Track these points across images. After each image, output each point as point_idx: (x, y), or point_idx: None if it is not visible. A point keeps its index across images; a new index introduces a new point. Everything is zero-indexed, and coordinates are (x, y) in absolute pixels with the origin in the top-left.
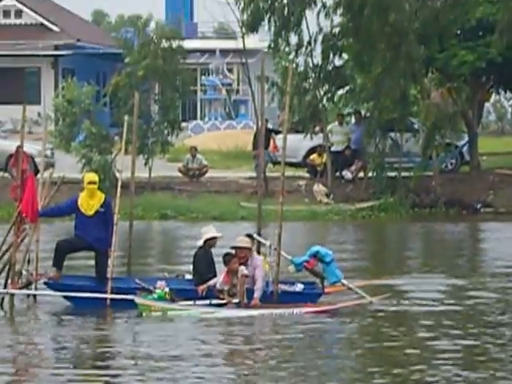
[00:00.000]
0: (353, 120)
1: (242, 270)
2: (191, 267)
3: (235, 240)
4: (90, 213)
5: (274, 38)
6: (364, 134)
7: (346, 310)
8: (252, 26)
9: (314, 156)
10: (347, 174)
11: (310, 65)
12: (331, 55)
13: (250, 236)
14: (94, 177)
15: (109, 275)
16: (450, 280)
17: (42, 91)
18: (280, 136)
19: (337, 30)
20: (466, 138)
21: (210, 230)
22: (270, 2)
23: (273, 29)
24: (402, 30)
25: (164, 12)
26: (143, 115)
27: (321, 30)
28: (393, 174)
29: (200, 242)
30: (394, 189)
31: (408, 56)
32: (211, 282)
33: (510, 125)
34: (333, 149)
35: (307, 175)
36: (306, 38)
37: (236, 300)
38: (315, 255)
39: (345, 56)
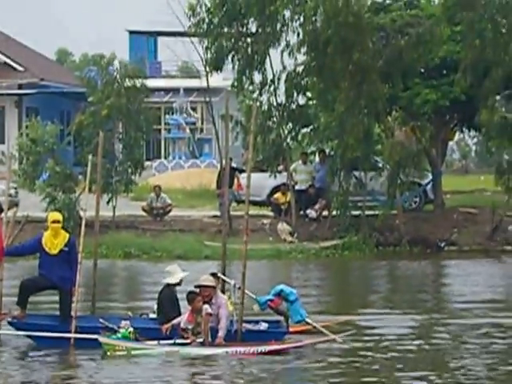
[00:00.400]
0: (317, 159)
1: (206, 308)
2: (155, 306)
3: (199, 279)
4: (54, 252)
5: (237, 76)
6: (328, 173)
7: (310, 348)
8: (216, 65)
9: (277, 195)
10: (311, 213)
11: (274, 103)
12: (295, 94)
13: (214, 275)
14: (57, 216)
15: (73, 314)
16: (411, 316)
17: (6, 130)
18: (244, 175)
19: (300, 68)
20: (430, 177)
21: (175, 269)
22: (233, 40)
23: (236, 67)
24: (365, 68)
25: (128, 51)
26: (107, 154)
27: (284, 68)
28: (357, 212)
29: (170, 280)
30: (358, 227)
31: (370, 95)
32: (175, 321)
33: (474, 163)
34: (297, 187)
35: (271, 214)
36: (270, 77)
37: (200, 339)
38: (279, 294)
39: (309, 94)
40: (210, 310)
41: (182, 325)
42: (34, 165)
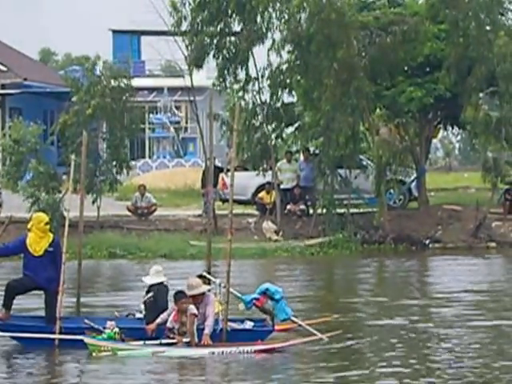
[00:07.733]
0: (301, 157)
1: (191, 309)
2: (142, 306)
3: (189, 283)
4: (39, 253)
5: (219, 73)
6: (315, 171)
7: (297, 348)
8: (197, 62)
9: (262, 194)
10: (292, 207)
11: (259, 102)
12: (279, 92)
13: (201, 276)
14: (47, 217)
15: (58, 315)
16: (397, 314)
17: None
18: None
19: (285, 66)
20: (414, 174)
21: (157, 271)
22: (216, 38)
23: (218, 65)
24: (351, 65)
25: (111, 50)
26: (91, 154)
27: (270, 65)
28: (342, 210)
29: (152, 281)
30: (343, 225)
31: (359, 91)
32: (159, 320)
33: (458, 161)
34: (282, 186)
35: (256, 213)
36: (253, 75)
37: (187, 339)
38: (265, 292)
39: (293, 92)
40: (194, 311)
41: (168, 324)
42: (17, 165)
